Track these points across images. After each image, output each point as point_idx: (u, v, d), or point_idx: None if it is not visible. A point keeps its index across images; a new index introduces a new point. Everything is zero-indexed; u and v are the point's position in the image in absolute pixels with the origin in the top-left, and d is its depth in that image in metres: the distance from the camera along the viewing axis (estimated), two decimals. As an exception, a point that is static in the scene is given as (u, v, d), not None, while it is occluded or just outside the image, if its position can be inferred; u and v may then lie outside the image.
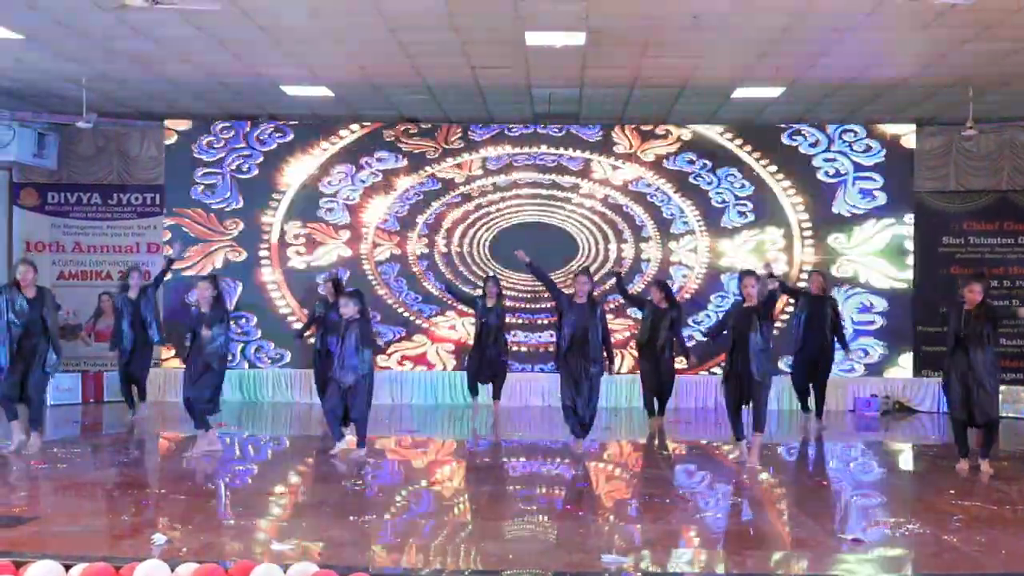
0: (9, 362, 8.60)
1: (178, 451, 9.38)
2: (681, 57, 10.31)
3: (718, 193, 13.09)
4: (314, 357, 10.97)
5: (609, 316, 12.38)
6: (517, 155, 13.23)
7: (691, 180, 13.14)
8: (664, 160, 13.18)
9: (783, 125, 13.16)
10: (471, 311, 11.99)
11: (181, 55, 10.41)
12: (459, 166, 13.22)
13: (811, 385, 11.18)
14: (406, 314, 13.18)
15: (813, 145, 13.14)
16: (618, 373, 12.92)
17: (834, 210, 13.10)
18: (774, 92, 11.86)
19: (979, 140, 13.27)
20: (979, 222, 13.63)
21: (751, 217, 13.13)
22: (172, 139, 13.24)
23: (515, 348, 12.92)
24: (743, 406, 8.49)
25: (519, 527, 6.25)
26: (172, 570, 4.67)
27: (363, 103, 12.71)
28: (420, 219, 13.20)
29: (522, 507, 6.91)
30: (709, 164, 13.14)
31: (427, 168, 13.22)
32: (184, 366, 9.09)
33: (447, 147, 13.22)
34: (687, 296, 12.94)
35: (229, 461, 8.80)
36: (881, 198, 13.07)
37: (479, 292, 11.91)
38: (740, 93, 11.90)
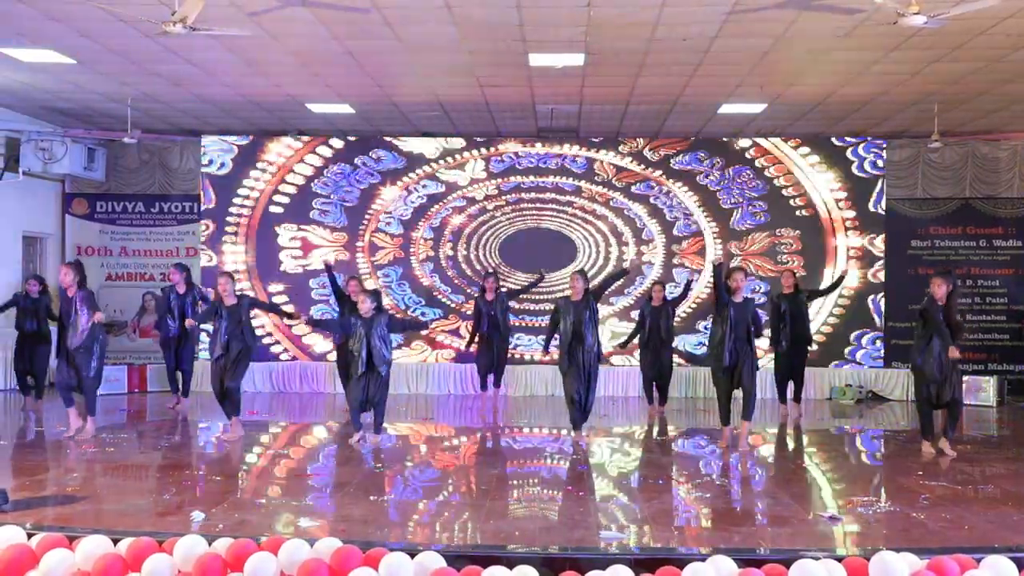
0: (63, 354, 8.66)
1: (214, 437, 9.39)
2: (672, 76, 10.30)
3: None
4: (337, 350, 10.95)
5: (613, 319, 12.72)
6: (525, 182, 13.57)
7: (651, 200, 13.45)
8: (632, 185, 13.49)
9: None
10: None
11: (216, 77, 10.43)
12: (480, 189, 13.60)
13: (790, 376, 11.16)
14: (442, 299, 13.52)
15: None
16: (611, 364, 12.95)
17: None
18: (757, 108, 11.84)
19: (944, 152, 13.29)
20: (944, 227, 13.63)
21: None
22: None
23: (520, 335, 13.10)
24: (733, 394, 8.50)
25: (524, 506, 6.25)
26: (209, 544, 4.69)
27: (381, 119, 12.72)
28: (448, 229, 13.58)
29: (527, 488, 6.91)
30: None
31: (458, 191, 13.57)
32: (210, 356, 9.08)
33: (473, 176, 13.57)
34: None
35: (261, 446, 8.82)
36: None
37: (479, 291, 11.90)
38: (726, 109, 11.87)
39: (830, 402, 12.57)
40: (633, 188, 13.46)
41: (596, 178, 13.49)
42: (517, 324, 12.93)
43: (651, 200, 13.46)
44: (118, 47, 9.24)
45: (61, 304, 8.71)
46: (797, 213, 13.31)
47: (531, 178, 13.55)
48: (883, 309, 13.10)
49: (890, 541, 5.21)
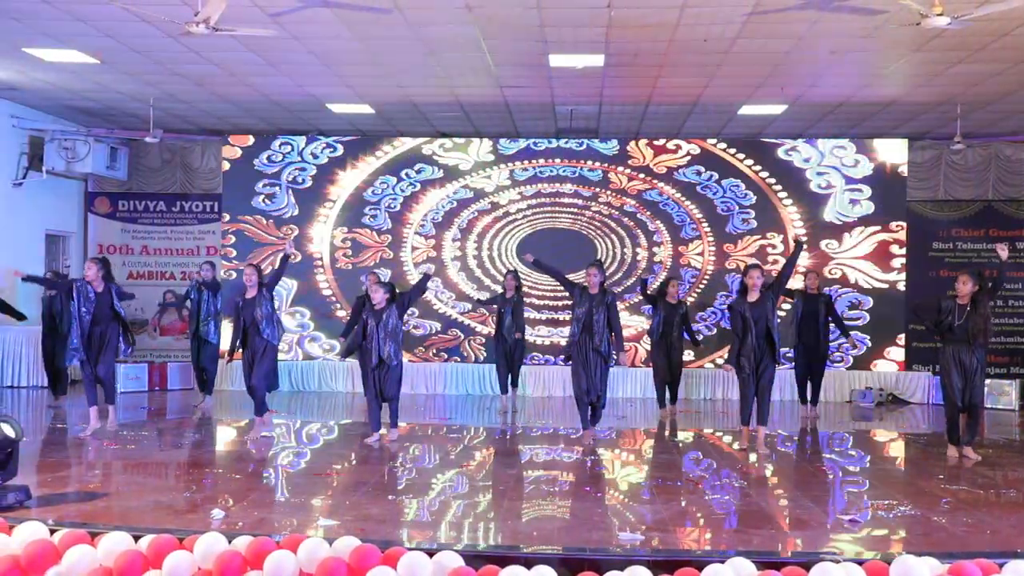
0: (84, 348, 8.67)
1: (235, 435, 9.44)
2: (692, 77, 10.26)
3: (723, 202, 13.07)
4: (361, 354, 10.90)
5: (624, 314, 12.50)
6: (542, 167, 13.25)
7: (698, 190, 13.13)
8: (675, 172, 13.17)
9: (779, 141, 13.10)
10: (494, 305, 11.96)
11: (238, 77, 10.49)
12: (488, 177, 13.27)
13: (808, 377, 11.09)
14: (442, 310, 13.24)
15: (807, 160, 13.06)
16: (632, 365, 12.89)
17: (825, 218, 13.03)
18: (777, 109, 11.78)
19: (966, 154, 13.18)
20: (966, 229, 13.51)
21: (753, 224, 13.09)
22: (236, 154, 13.29)
23: (537, 340, 12.98)
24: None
25: (541, 507, 6.24)
26: (229, 542, 4.71)
27: (401, 119, 12.75)
28: (454, 224, 13.28)
29: (544, 489, 6.90)
30: (715, 175, 13.10)
31: (461, 179, 13.25)
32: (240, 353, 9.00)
33: (478, 159, 13.24)
34: (695, 294, 13.04)
35: (280, 445, 8.86)
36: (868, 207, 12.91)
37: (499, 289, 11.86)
38: (746, 110, 11.82)
39: (849, 405, 12.48)
40: (674, 175, 13.05)
41: (629, 161, 13.06)
42: (534, 338, 12.82)
43: (699, 189, 13.01)
44: (141, 47, 9.31)
45: (87, 299, 8.69)
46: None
47: (550, 172, 13.23)
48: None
49: (911, 545, 5.17)
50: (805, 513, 6.15)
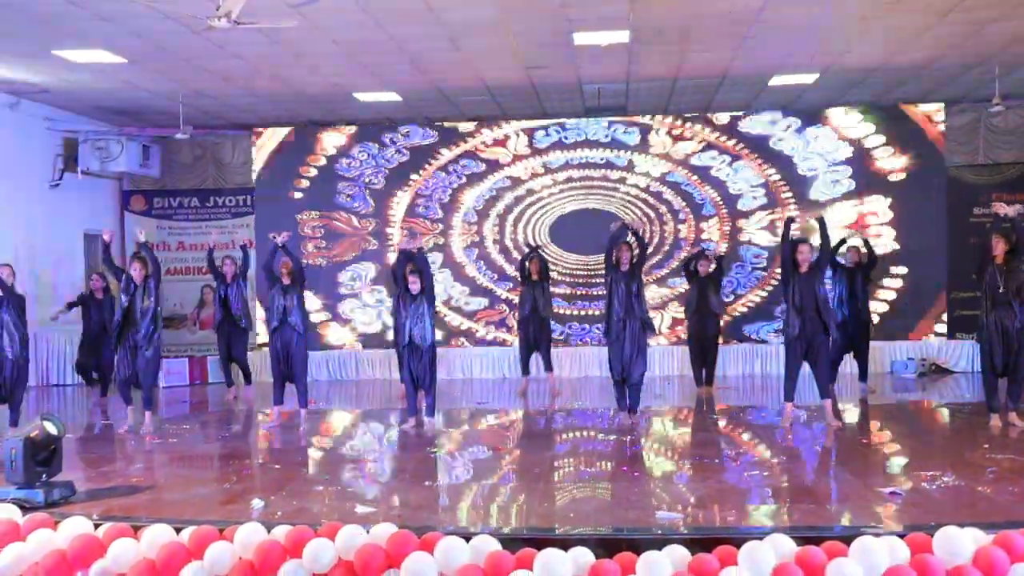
0: (120, 348, 8.77)
1: (271, 426, 9.53)
2: (719, 50, 10.12)
3: (734, 183, 13.34)
4: (395, 335, 10.95)
5: (653, 287, 13.04)
6: (572, 155, 13.56)
7: (712, 173, 13.36)
8: (691, 157, 13.41)
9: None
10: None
11: (263, 70, 10.54)
12: (524, 167, 13.62)
13: (851, 352, 10.88)
14: (487, 287, 13.61)
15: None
16: (666, 342, 12.88)
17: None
18: (809, 79, 11.59)
19: (1006, 115, 12.87)
20: (1008, 193, 13.12)
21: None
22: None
23: (571, 312, 13.20)
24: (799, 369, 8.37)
25: (578, 488, 6.24)
26: (268, 531, 4.77)
27: (428, 105, 12.74)
28: (493, 211, 13.64)
29: (580, 470, 6.90)
30: (727, 159, 13.34)
31: (500, 171, 13.63)
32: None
33: (516, 152, 13.61)
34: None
35: (318, 434, 8.94)
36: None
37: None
38: (777, 81, 11.64)
39: (891, 376, 12.31)
40: (692, 160, 13.33)
41: (650, 150, 13.36)
42: (568, 313, 13.12)
43: (713, 172, 13.29)
44: (167, 44, 9.39)
45: (130, 298, 8.77)
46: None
47: (579, 160, 13.50)
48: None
49: (955, 516, 5.08)
50: (845, 487, 6.09)
